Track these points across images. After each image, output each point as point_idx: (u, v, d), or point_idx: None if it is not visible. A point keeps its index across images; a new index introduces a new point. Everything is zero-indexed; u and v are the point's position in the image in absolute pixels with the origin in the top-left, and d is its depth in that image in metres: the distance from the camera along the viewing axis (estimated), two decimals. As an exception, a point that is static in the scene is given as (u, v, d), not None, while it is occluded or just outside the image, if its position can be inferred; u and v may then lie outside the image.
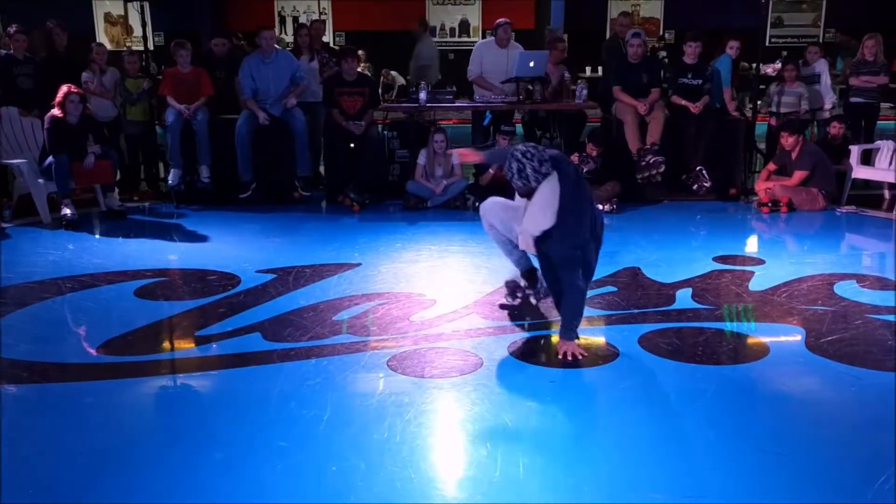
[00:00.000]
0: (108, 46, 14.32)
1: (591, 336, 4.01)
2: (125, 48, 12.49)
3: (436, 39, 16.47)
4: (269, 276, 4.99)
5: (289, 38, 14.80)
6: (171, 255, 5.79)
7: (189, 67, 7.50)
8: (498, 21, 7.95)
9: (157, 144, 8.21)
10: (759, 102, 8.49)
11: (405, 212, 7.10)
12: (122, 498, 2.57)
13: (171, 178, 7.40)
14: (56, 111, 6.56)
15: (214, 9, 14.89)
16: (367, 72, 9.91)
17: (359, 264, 5.30)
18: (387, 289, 4.78)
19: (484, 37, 15.18)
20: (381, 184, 7.63)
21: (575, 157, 7.11)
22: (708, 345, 3.91)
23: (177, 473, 2.70)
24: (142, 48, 8.94)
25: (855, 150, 7.32)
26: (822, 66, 8.45)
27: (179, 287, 5.03)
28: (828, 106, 8.43)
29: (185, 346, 4.00)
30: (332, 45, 14.31)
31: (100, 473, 2.71)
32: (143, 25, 8.59)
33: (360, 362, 3.64)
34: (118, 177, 7.41)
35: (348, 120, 7.32)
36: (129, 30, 15.91)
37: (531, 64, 7.52)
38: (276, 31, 15.39)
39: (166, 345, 4.08)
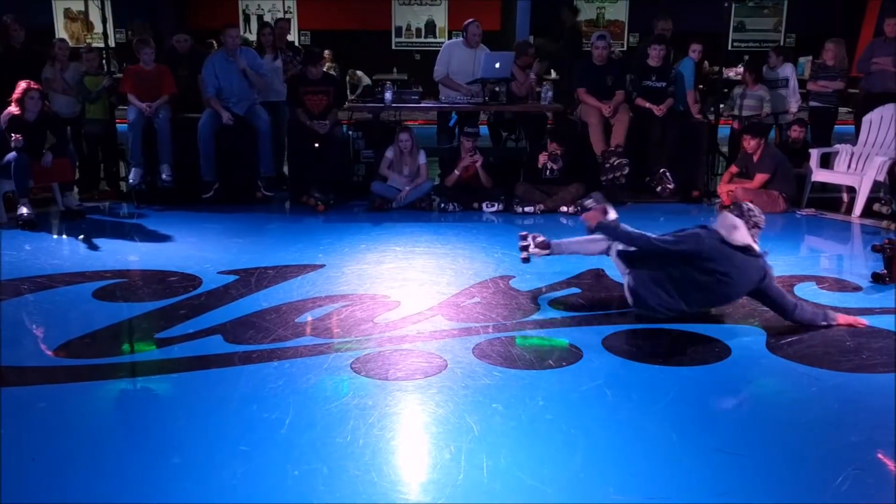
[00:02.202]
0: (69, 42, 14.09)
1: (555, 338, 4.02)
2: (84, 45, 12.27)
3: (401, 40, 16.50)
4: (231, 278, 4.93)
5: (253, 37, 14.67)
6: (131, 255, 5.69)
7: (152, 65, 7.38)
8: (469, 20, 7.95)
9: (118, 143, 8.07)
10: (721, 106, 8.60)
11: (370, 213, 7.06)
12: (75, 501, 2.52)
13: (132, 178, 7.28)
14: (13, 108, 6.42)
15: (177, 6, 14.70)
16: (332, 71, 9.86)
17: (323, 266, 5.25)
18: (351, 290, 4.74)
19: (450, 37, 15.21)
20: (346, 184, 7.58)
21: (543, 158, 7.13)
22: (670, 346, 3.94)
23: (135, 479, 2.65)
24: (102, 45, 8.79)
25: (814, 154, 7.45)
26: (788, 71, 8.56)
27: (139, 288, 4.94)
28: (793, 109, 8.54)
29: (145, 349, 3.93)
30: (297, 44, 14.21)
31: (56, 479, 2.65)
32: (104, 21, 8.45)
33: (324, 365, 3.61)
34: (77, 175, 7.28)
35: (313, 119, 7.27)
36: (89, 26, 15.63)
37: (497, 65, 7.53)
38: (241, 29, 15.24)
39: (125, 347, 4.01)
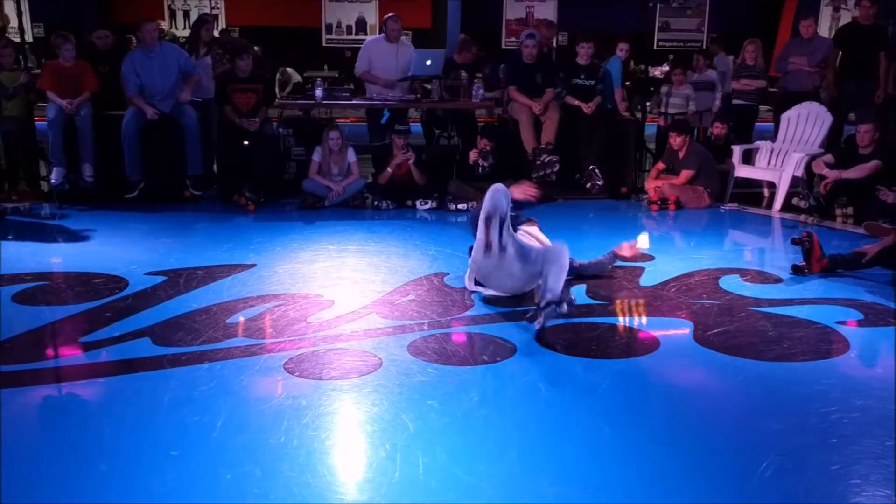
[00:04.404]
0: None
1: (488, 333, 4.04)
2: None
3: (332, 37, 16.36)
4: (159, 279, 4.81)
5: (180, 33, 14.34)
6: (53, 257, 5.50)
7: (72, 61, 7.14)
8: (387, 15, 8.01)
9: (37, 141, 7.78)
10: (648, 104, 8.78)
11: (302, 211, 6.98)
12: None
13: (54, 177, 7.02)
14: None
15: (99, 0, 14.24)
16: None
17: (254, 265, 5.17)
18: (283, 290, 4.68)
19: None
20: (277, 182, 7.47)
21: (474, 154, 7.17)
22: (602, 339, 4.01)
23: (59, 488, 2.56)
24: (18, 39, 8.47)
25: (737, 150, 7.67)
26: (714, 75, 8.79)
27: (62, 291, 4.78)
28: (717, 106, 8.77)
29: (69, 353, 3.80)
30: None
31: (-27, 492, 2.55)
32: (20, 15, 8.14)
33: (256, 366, 3.55)
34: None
35: (241, 117, 7.15)
36: (3, 19, 15.02)
37: (428, 62, 7.54)
38: (167, 25, 14.88)
39: (47, 352, 3.86)
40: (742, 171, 7.64)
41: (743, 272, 5.19)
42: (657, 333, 4.06)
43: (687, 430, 3.04)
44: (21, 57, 7.90)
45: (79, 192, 7.08)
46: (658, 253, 5.66)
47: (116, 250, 5.58)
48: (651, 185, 7.49)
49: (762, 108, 9.23)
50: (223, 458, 2.74)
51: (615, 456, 2.83)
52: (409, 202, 7.12)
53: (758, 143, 7.97)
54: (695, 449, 2.89)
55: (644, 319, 4.36)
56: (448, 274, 5.02)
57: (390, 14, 7.99)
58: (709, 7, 17.05)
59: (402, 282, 4.86)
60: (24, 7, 8.23)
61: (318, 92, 7.52)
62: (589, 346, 3.91)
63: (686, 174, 7.28)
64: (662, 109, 8.53)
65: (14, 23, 12.26)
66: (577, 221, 6.86)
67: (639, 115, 8.63)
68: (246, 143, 7.12)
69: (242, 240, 5.88)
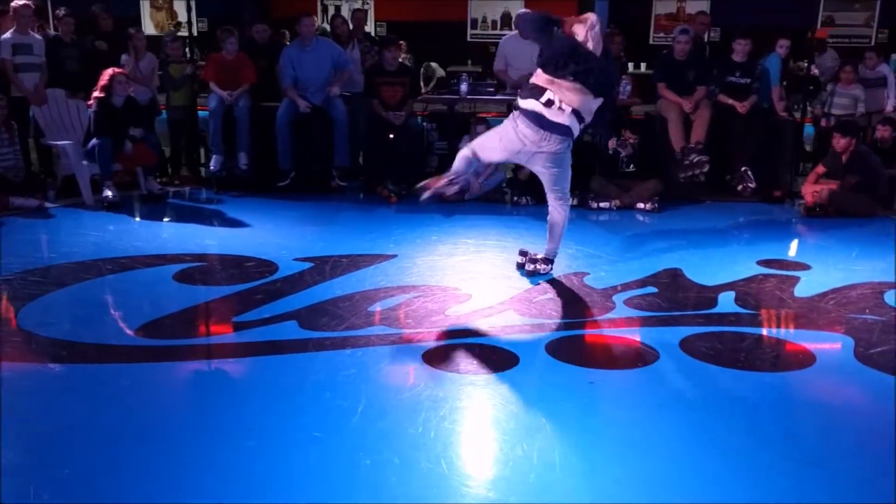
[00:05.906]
0: (154, 32, 14.51)
1: (631, 337, 3.93)
2: (168, 33, 12.59)
3: (476, 31, 16.45)
4: (306, 265, 4.98)
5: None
6: (210, 240, 5.81)
7: (234, 54, 7.51)
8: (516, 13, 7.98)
9: (199, 130, 8.25)
10: (807, 104, 8.28)
11: (441, 204, 7.04)
12: (152, 479, 2.57)
13: (213, 164, 7.43)
14: (102, 94, 6.60)
15: (258, -4, 14.94)
16: (407, 62, 9.89)
17: (395, 256, 5.27)
18: (422, 281, 4.74)
19: (527, 30, 15.10)
20: (419, 175, 7.57)
21: (612, 143, 7.03)
22: (750, 350, 3.81)
23: (208, 459, 2.70)
24: (186, 34, 8.99)
25: (907, 155, 7.11)
26: (886, 69, 8.21)
27: (217, 272, 5.04)
28: (889, 108, 8.17)
29: (222, 332, 4.01)
30: (373, 34, 14.29)
31: (131, 454, 2.72)
32: (189, 10, 8.64)
33: (395, 354, 3.61)
34: (158, 160, 7.46)
35: (388, 110, 7.29)
36: (173, 15, 16.04)
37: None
38: (320, 19, 15.42)
39: (203, 329, 4.09)
40: (913, 178, 7.07)
41: (914, 287, 4.80)
42: (813, 347, 3.82)
43: (842, 454, 2.84)
44: (187, 50, 8.38)
45: (234, 179, 7.45)
46: (815, 262, 5.33)
47: (267, 236, 5.84)
48: (809, 189, 7.05)
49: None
50: (363, 444, 2.79)
51: (759, 473, 2.68)
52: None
53: (932, 147, 7.35)
54: (849, 475, 2.69)
55: (797, 332, 4.11)
56: (588, 274, 4.93)
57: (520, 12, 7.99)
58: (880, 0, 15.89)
59: (541, 279, 4.81)
60: (192, 3, 8.69)
61: (463, 86, 7.56)
62: (736, 356, 3.72)
63: (850, 179, 6.80)
64: (826, 110, 8.03)
65: (182, 18, 13.08)
66: (726, 225, 6.56)
67: (797, 114, 8.15)
68: (391, 136, 7.26)
69: (384, 230, 6.00)
